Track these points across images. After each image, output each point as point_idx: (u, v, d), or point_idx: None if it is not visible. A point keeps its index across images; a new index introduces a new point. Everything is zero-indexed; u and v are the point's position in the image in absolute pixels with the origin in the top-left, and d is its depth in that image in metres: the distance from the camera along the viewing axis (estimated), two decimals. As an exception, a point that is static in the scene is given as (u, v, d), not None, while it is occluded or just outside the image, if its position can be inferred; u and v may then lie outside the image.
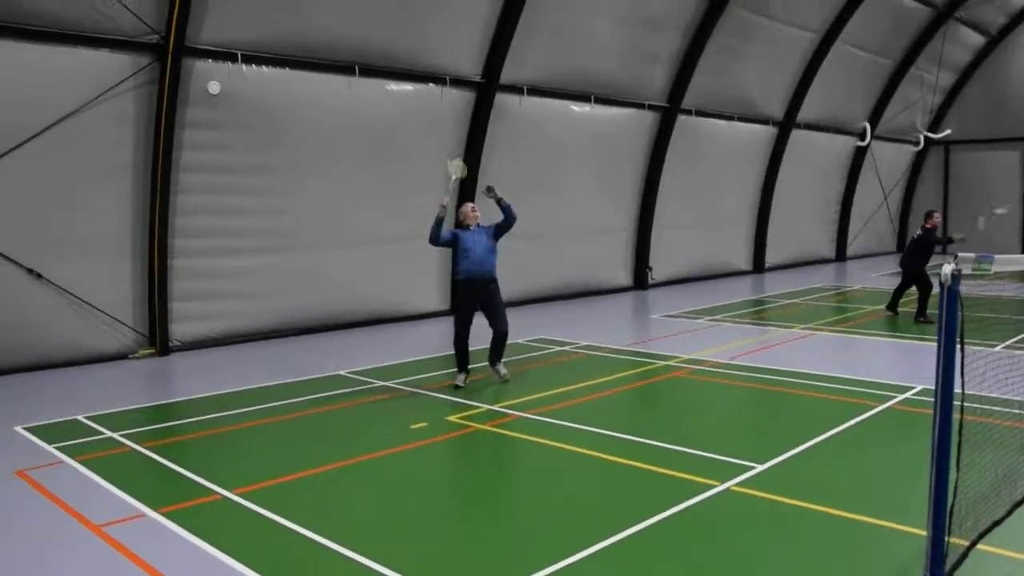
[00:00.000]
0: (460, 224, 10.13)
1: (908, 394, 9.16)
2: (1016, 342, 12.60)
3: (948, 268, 3.05)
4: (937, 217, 15.24)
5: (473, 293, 9.84)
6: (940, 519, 3.05)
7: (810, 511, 5.89)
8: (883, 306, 15.65)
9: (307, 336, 13.73)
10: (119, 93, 11.40)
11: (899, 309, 15.10)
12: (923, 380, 9.56)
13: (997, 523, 4.36)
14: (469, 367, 10.05)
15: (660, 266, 20.40)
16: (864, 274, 23.63)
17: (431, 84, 14.98)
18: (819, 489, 6.33)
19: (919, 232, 14.94)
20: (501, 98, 15.87)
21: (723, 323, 14.84)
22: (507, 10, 15.07)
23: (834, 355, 12.12)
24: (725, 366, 11.05)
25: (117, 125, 11.53)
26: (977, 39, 28.74)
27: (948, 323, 2.99)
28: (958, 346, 3.09)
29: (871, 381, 9.78)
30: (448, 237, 9.79)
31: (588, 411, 8.83)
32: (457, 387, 9.76)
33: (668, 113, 19.41)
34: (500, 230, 9.94)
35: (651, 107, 19.18)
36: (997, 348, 12.21)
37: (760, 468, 6.74)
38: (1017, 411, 8.49)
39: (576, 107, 17.70)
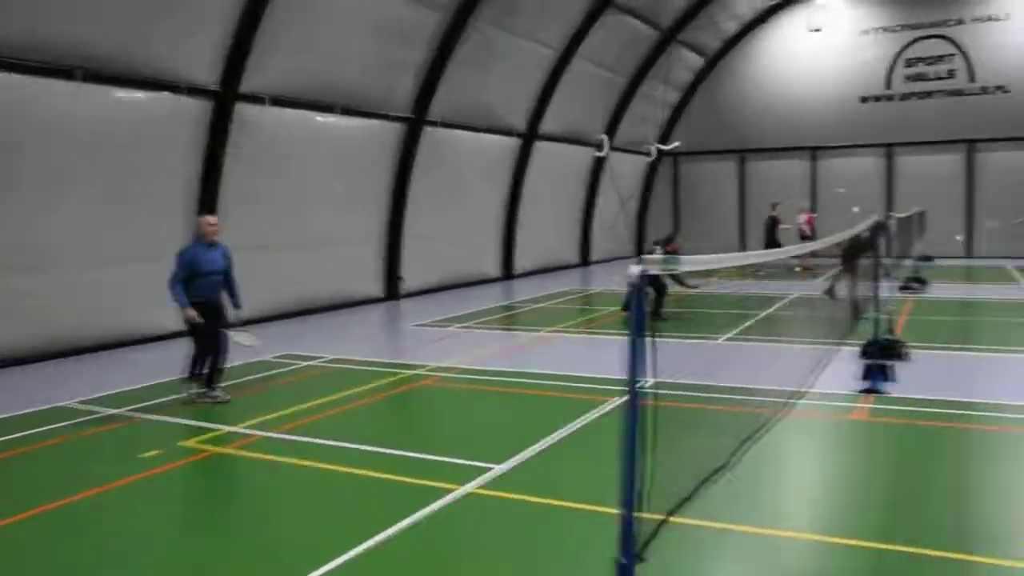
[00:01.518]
0: (200, 237, 9.80)
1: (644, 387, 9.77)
2: (737, 334, 13.85)
3: (636, 268, 3.27)
4: (679, 242, 16.73)
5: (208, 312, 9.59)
6: (629, 502, 3.28)
7: (546, 506, 6.15)
8: (620, 307, 16.58)
9: (32, 364, 12.48)
10: None
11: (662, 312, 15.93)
12: (652, 374, 10.21)
13: (687, 499, 4.76)
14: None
15: (412, 276, 20.51)
16: (606, 277, 25.02)
17: (165, 92, 14.17)
18: (556, 484, 6.62)
19: (657, 248, 15.95)
20: (242, 108, 15.30)
21: (473, 329, 15.17)
22: (247, 16, 14.55)
23: (576, 355, 12.72)
24: (473, 371, 11.29)
25: None
26: (697, 60, 31.45)
27: (637, 318, 3.21)
28: (649, 339, 3.32)
29: (609, 378, 10.33)
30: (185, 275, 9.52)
31: (333, 425, 8.70)
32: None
33: (414, 124, 19.59)
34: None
35: (397, 118, 19.28)
36: (719, 340, 13.39)
37: (500, 469, 6.95)
38: (706, 395, 9.34)
39: (321, 118, 17.43)
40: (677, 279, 15.62)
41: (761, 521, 5.82)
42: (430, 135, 20.21)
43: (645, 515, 3.65)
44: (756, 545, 5.49)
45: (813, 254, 22.00)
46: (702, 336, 13.80)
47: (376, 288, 19.76)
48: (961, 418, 8.45)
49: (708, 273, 17.69)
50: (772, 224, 25.77)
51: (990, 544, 5.38)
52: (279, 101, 16.19)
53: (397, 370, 11.60)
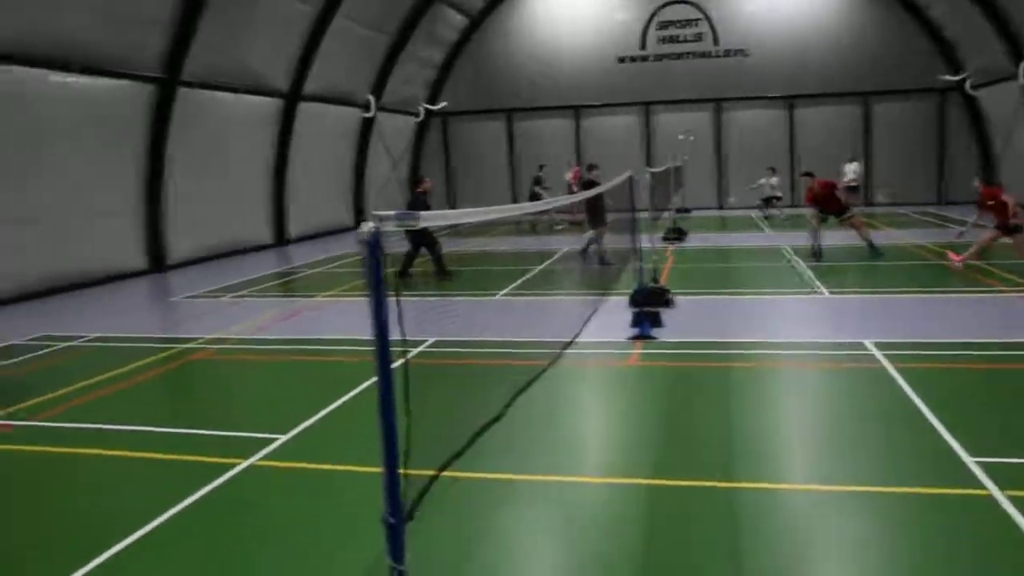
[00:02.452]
0: None
1: (422, 347, 9.85)
2: (513, 289, 14.24)
3: (367, 226, 3.25)
4: (428, 182, 16.70)
5: None
6: (392, 462, 3.32)
7: (327, 471, 6.11)
8: (395, 270, 16.44)
9: None
10: None
11: (411, 271, 15.96)
12: (432, 334, 10.36)
13: (459, 453, 4.88)
14: None
15: (180, 245, 19.41)
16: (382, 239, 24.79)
17: None
18: (337, 450, 6.58)
19: (411, 197, 16.13)
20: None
21: (247, 299, 14.62)
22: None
23: (354, 319, 12.57)
24: (250, 342, 10.91)
25: None
26: (461, 19, 31.60)
27: (375, 277, 3.21)
28: (392, 297, 3.32)
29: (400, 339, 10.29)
30: None
31: (103, 408, 8.12)
32: None
33: (167, 85, 18.38)
34: None
35: (147, 78, 18.00)
36: (497, 296, 13.71)
37: (283, 439, 6.80)
38: (483, 350, 9.62)
39: (58, 77, 15.94)
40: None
41: (541, 468, 6.07)
42: (186, 96, 19.06)
43: (414, 472, 3.69)
44: (539, 492, 5.73)
45: (564, 210, 23.04)
46: (480, 293, 14.08)
47: (139, 260, 18.52)
48: (723, 357, 9.15)
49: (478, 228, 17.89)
50: (535, 183, 26.31)
51: (752, 470, 5.92)
52: (6, 58, 14.64)
53: (168, 345, 10.98)
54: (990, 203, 13.79)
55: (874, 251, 16.19)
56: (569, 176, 27.43)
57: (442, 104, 31.67)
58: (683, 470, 5.91)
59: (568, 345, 8.95)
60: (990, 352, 8.89)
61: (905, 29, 29.29)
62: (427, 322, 11.27)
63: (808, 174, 17.75)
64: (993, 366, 8.49)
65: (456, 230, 25.22)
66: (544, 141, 32.33)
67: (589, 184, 16.23)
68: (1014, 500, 5.14)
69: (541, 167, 27.10)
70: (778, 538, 4.89)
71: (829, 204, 16.66)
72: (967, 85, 28.29)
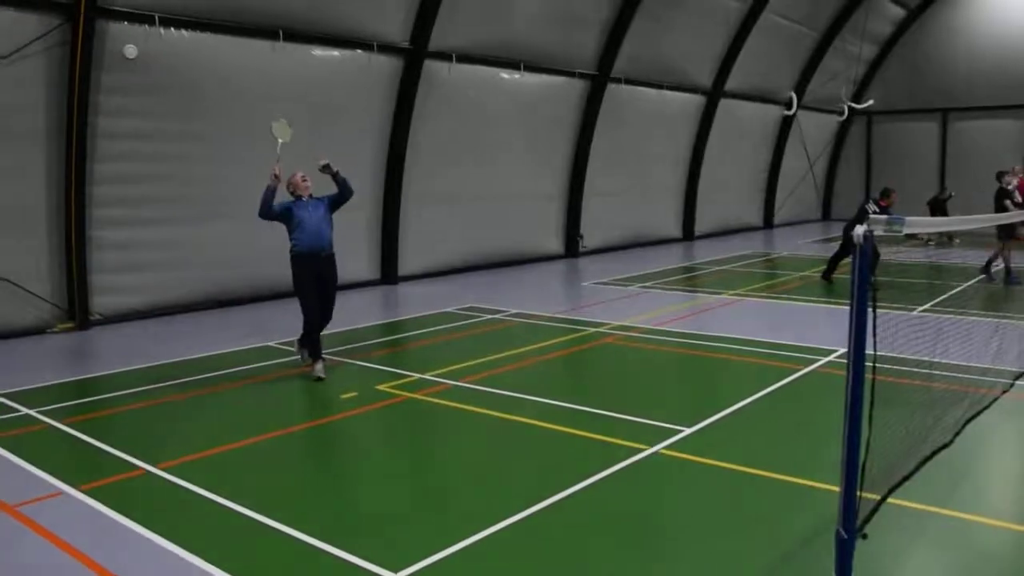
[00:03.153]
0: (292, 195, 9.05)
1: (832, 357, 9.38)
2: (933, 306, 12.99)
3: (860, 229, 3.07)
4: (894, 196, 14.91)
5: (312, 267, 8.84)
6: (852, 475, 3.11)
7: (735, 471, 5.99)
8: (814, 272, 15.78)
9: (234, 307, 13.43)
10: (28, 56, 10.90)
11: (834, 276, 15.19)
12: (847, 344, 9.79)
13: (906, 478, 4.46)
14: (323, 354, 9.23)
15: (591, 234, 20.51)
16: (791, 241, 24.10)
17: (358, 50, 14.69)
18: (744, 450, 6.45)
19: (872, 207, 14.51)
20: (430, 65, 15.65)
21: (653, 290, 14.99)
22: (436, -25, 14.86)
23: (762, 320, 12.33)
24: (655, 332, 11.17)
25: (25, 89, 11.02)
26: (898, 12, 29.36)
27: (860, 285, 3.01)
28: (870, 308, 3.11)
29: (797, 345, 9.98)
30: (279, 210, 8.82)
31: (520, 378, 8.83)
32: (319, 379, 8.75)
33: (597, 81, 19.42)
34: (335, 203, 9.13)
35: (580, 75, 19.16)
36: (915, 312, 12.59)
37: (688, 431, 6.84)
38: (926, 371, 8.75)
39: (505, 75, 17.58)
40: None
41: (977, 508, 5.40)
42: (613, 92, 19.99)
43: (865, 493, 3.46)
44: (968, 533, 5.11)
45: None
46: (894, 306, 12.98)
47: (556, 244, 19.89)
48: None
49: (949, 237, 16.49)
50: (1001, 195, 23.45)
51: None
52: (465, 58, 16.44)
53: (579, 327, 11.64)
54: None
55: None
56: (1015, 183, 24.29)
57: (868, 102, 29.72)
58: None
59: (1014, 375, 7.91)
60: None
61: None
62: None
63: None
64: None
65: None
66: (984, 144, 28.94)
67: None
68: None
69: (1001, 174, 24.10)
70: None
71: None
72: None
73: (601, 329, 11.39)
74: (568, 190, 19.85)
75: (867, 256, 3.19)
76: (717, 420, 7.18)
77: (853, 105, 29.46)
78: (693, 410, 7.45)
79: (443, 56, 15.93)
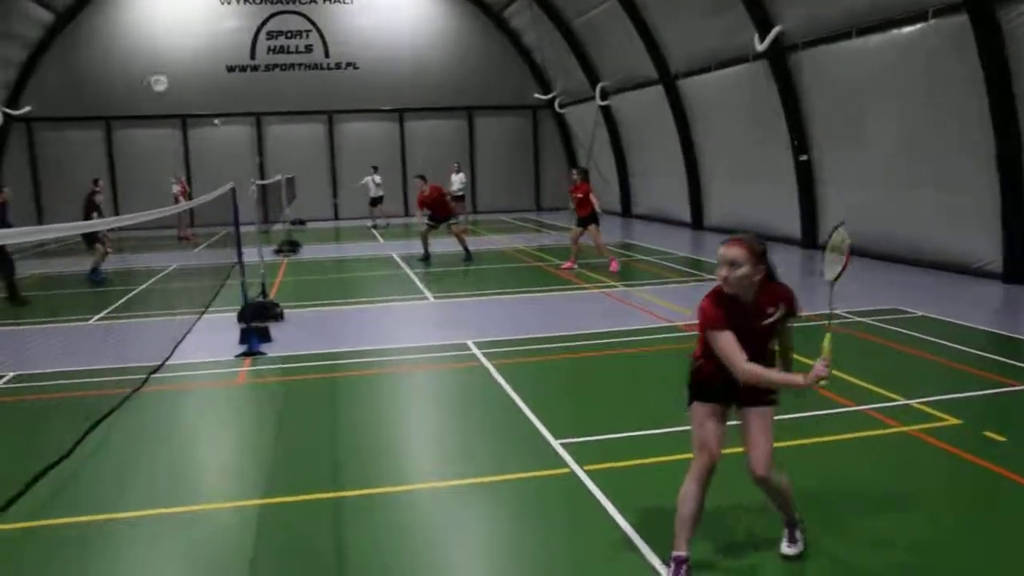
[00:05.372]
0: None
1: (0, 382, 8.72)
2: (111, 312, 13.12)
3: None
4: (6, 192, 14.19)
5: None
6: None
7: None
8: None
9: None
10: None
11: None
12: (15, 367, 9.26)
13: (12, 501, 4.32)
14: None
15: None
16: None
17: None
18: None
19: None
20: None
21: None
22: None
23: None
24: None
25: None
26: (47, 15, 28.36)
27: None
28: None
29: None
30: None
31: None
32: None
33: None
34: None
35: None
36: (91, 321, 12.55)
37: None
38: (70, 381, 8.84)
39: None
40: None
41: (138, 503, 5.60)
42: None
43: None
44: (145, 529, 5.29)
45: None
46: (69, 319, 12.68)
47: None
48: (334, 368, 9.19)
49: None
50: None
51: (365, 476, 6.00)
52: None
53: None
54: (579, 196, 15.55)
55: (468, 257, 17.41)
56: (176, 189, 26.09)
57: (25, 108, 28.35)
58: (294, 486, 5.78)
59: (158, 368, 8.40)
60: (568, 344, 9.92)
61: (505, 52, 31.78)
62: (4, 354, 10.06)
63: (421, 177, 18.43)
64: (571, 356, 9.47)
65: (43, 249, 22.72)
66: (149, 151, 30.25)
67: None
68: (590, 474, 5.77)
69: (96, 180, 24.64)
70: (391, 539, 4.99)
71: (438, 209, 17.53)
72: (556, 104, 31.37)
73: None
74: None
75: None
76: None
77: (8, 111, 27.84)
78: None
79: None
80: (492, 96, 31.96)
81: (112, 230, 18.08)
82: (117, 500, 5.66)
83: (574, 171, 16.78)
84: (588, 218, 15.57)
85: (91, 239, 16.17)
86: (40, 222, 27.89)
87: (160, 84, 11.18)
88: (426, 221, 17.73)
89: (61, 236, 6.78)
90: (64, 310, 13.34)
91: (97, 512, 5.45)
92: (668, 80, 22.96)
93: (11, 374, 9.06)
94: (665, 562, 4.33)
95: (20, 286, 13.98)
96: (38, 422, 7.48)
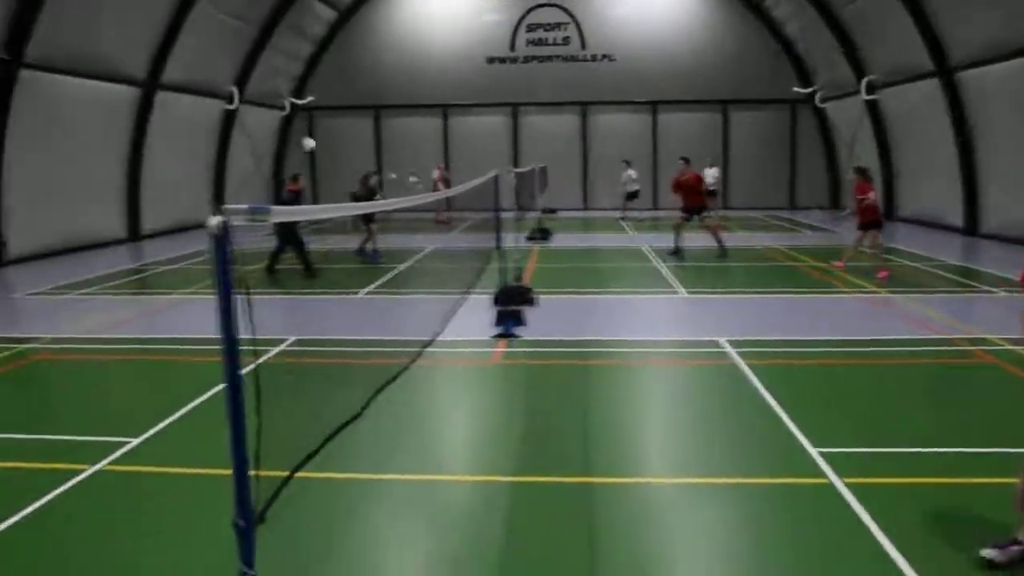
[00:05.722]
0: None
1: (283, 346, 9.62)
2: (377, 287, 14.08)
3: (215, 219, 3.10)
4: (302, 182, 16.24)
5: None
6: (241, 465, 3.23)
7: (178, 475, 5.86)
8: (262, 266, 15.97)
9: None
10: None
11: (277, 268, 15.55)
12: (296, 332, 10.18)
13: (311, 455, 4.69)
14: None
15: (17, 240, 18.23)
16: (247, 236, 24.03)
17: None
18: (193, 453, 6.31)
19: (284, 195, 15.84)
20: None
21: (98, 296, 13.87)
22: None
23: (213, 317, 12.11)
24: (99, 341, 10.34)
25: None
26: (330, 12, 31.00)
27: (223, 273, 3.08)
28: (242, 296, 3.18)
29: (246, 338, 9.98)
30: None
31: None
32: None
33: (7, 66, 17.21)
34: None
35: (-9, 60, 16.81)
36: (359, 294, 13.53)
37: (135, 442, 6.48)
38: (346, 349, 9.51)
39: None
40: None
41: (401, 468, 6.00)
42: (30, 81, 17.92)
43: (267, 474, 3.59)
44: (398, 492, 5.67)
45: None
46: (343, 291, 13.86)
47: (-29, 255, 17.29)
48: (584, 355, 9.29)
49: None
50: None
51: (611, 465, 6.05)
52: None
53: (7, 345, 10.28)
54: (858, 198, 14.61)
55: (723, 252, 16.95)
56: (435, 175, 27.44)
57: (309, 98, 31.01)
58: (544, 466, 5.98)
59: (429, 344, 8.91)
60: (829, 349, 9.42)
61: (763, 42, 30.70)
62: (290, 320, 11.07)
63: (685, 160, 18.17)
64: (832, 362, 8.99)
65: (319, 227, 24.73)
66: (411, 139, 32.18)
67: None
68: (851, 487, 5.46)
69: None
70: (636, 530, 5.01)
71: (692, 197, 17.22)
72: (817, 98, 29.89)
73: (34, 345, 10.20)
74: (-13, 191, 17.33)
75: (226, 244, 3.17)
76: (167, 425, 6.92)
77: (295, 101, 30.54)
78: (140, 419, 7.05)
79: None
80: (748, 89, 31.01)
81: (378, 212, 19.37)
82: (383, 463, 6.07)
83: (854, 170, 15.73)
84: (868, 224, 14.50)
85: (367, 219, 17.51)
86: (315, 201, 30.47)
87: (308, 145, 11.99)
88: (681, 214, 17.50)
89: (336, 216, 7.54)
90: (339, 284, 14.61)
91: (364, 472, 5.87)
92: (946, 72, 21.20)
93: (292, 337, 9.94)
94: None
95: (311, 259, 15.38)
96: (322, 383, 8.12)
